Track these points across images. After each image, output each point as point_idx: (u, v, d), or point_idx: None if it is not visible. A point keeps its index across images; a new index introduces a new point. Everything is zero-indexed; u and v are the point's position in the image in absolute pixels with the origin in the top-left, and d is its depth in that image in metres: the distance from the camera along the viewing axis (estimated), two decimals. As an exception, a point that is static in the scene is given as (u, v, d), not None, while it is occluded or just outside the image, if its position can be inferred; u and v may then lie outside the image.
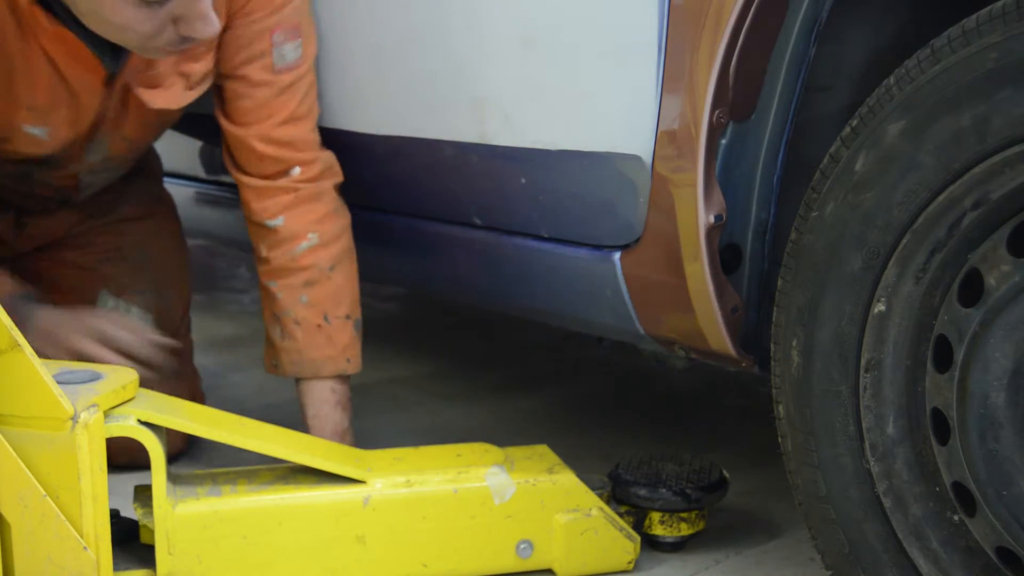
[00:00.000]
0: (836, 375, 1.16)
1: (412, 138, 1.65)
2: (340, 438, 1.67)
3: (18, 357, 1.22)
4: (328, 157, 1.71)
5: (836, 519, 1.19)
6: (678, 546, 1.52)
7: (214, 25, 1.41)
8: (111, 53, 1.54)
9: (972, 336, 1.06)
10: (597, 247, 1.45)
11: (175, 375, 1.87)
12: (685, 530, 1.50)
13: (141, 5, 1.37)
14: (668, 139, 1.30)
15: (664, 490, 1.48)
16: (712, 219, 1.29)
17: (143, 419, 1.33)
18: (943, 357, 1.10)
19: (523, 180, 1.51)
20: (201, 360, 2.09)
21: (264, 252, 1.70)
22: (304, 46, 1.66)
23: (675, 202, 1.31)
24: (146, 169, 2.00)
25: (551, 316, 1.67)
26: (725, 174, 1.29)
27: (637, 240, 1.39)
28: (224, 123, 1.70)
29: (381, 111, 1.69)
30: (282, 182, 1.67)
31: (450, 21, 1.54)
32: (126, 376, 1.35)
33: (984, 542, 1.10)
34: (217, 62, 1.66)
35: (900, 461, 1.15)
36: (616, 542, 1.45)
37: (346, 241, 1.71)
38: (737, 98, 1.25)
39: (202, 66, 1.66)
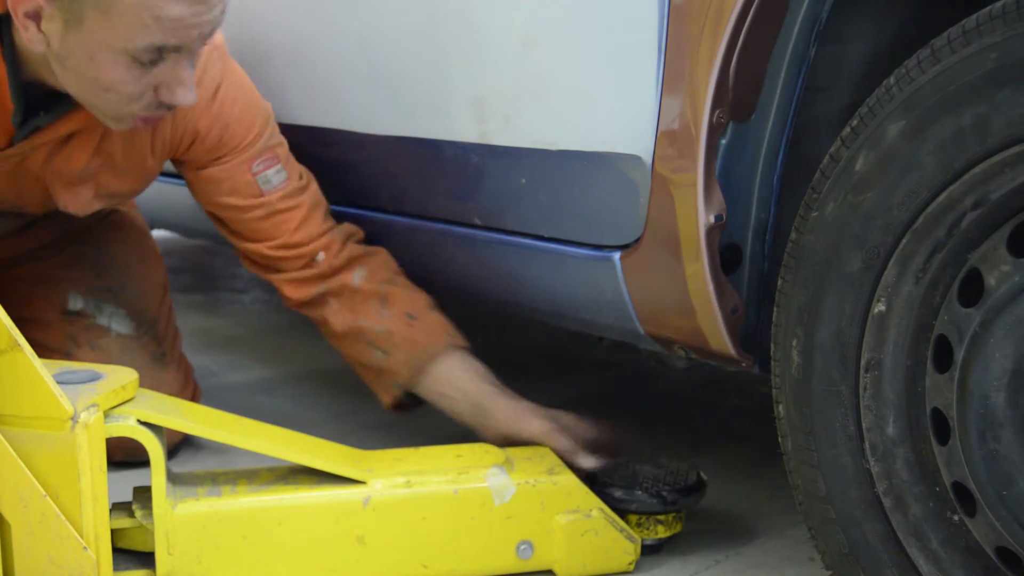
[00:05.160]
0: (836, 375, 1.16)
1: (412, 138, 1.64)
2: (486, 388, 1.65)
3: (18, 357, 1.22)
4: (344, 228, 1.74)
5: (836, 519, 1.19)
6: (655, 548, 1.51)
7: (193, 94, 1.45)
8: (22, 115, 1.53)
9: (972, 336, 1.06)
10: (597, 247, 1.45)
11: (159, 362, 1.87)
12: (662, 532, 1.49)
13: (133, 65, 1.40)
14: (668, 139, 1.30)
15: (640, 492, 1.47)
16: (712, 219, 1.29)
17: (143, 419, 1.33)
18: (943, 357, 1.10)
19: (523, 180, 1.51)
20: (201, 360, 2.10)
21: (329, 308, 1.72)
22: (287, 169, 1.72)
23: (675, 202, 1.31)
24: None
25: (551, 316, 1.67)
26: (725, 174, 1.29)
27: (637, 240, 1.39)
28: (235, 241, 1.75)
29: (381, 111, 1.69)
30: (314, 270, 1.71)
31: (450, 21, 1.54)
32: (126, 376, 1.35)
33: (984, 542, 1.10)
34: (199, 198, 1.75)
35: (900, 461, 1.15)
36: (617, 543, 1.44)
37: (392, 265, 1.74)
38: (737, 98, 1.25)
39: (120, 186, 1.70)
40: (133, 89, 1.42)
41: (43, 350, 1.82)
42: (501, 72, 1.49)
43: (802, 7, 1.22)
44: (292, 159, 1.74)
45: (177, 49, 1.40)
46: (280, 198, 1.70)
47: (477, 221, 1.63)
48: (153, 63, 1.40)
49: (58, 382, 1.25)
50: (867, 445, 1.16)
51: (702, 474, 1.53)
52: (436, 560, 1.42)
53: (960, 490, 1.10)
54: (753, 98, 1.27)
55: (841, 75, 1.34)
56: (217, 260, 3.60)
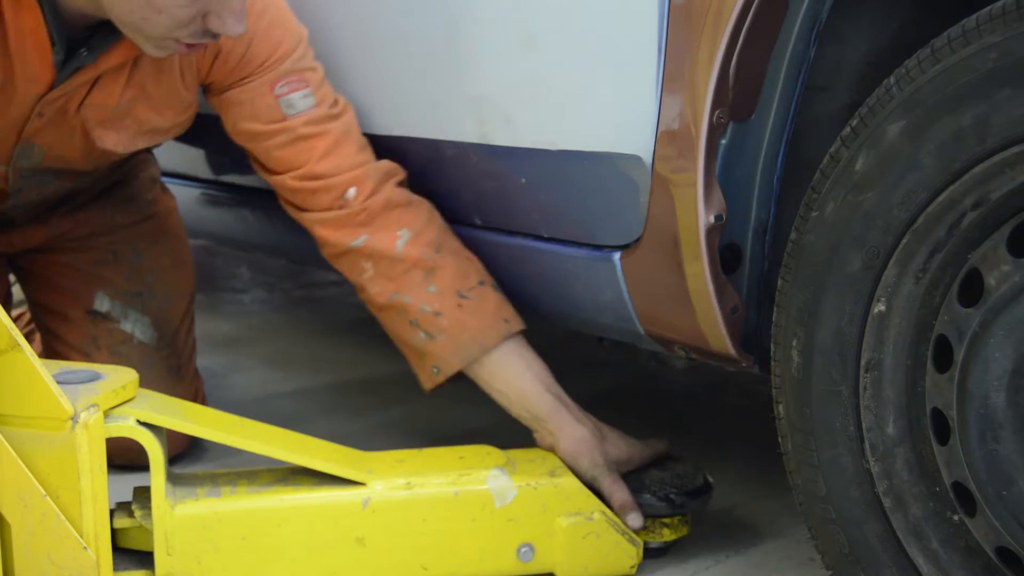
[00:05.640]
0: (836, 375, 1.16)
1: (412, 138, 1.64)
2: (543, 399, 1.55)
3: (18, 357, 1.22)
4: (381, 165, 1.63)
5: (836, 519, 1.19)
6: (661, 552, 1.50)
7: (242, 24, 1.43)
8: (64, 52, 1.49)
9: (972, 336, 1.06)
10: (597, 247, 1.45)
11: (175, 374, 1.87)
12: (668, 536, 1.49)
13: None
14: (668, 139, 1.30)
15: (648, 495, 1.46)
16: (712, 219, 1.29)
17: (143, 419, 1.33)
18: (943, 357, 1.09)
19: (523, 180, 1.51)
20: (201, 360, 2.09)
21: (366, 274, 1.60)
22: (316, 93, 1.62)
23: (675, 202, 1.31)
24: (139, 178, 1.97)
25: (551, 316, 1.67)
26: (725, 174, 1.29)
27: (637, 240, 1.39)
28: (265, 176, 1.67)
29: (381, 111, 1.69)
30: (346, 211, 1.59)
31: (450, 21, 1.54)
32: (126, 376, 1.35)
33: (984, 542, 1.10)
34: (227, 129, 1.66)
35: (900, 461, 1.15)
36: (619, 546, 1.44)
37: (438, 221, 1.62)
38: (737, 98, 1.25)
39: (161, 120, 1.65)
40: (185, 13, 1.39)
41: (63, 345, 1.82)
42: (501, 72, 1.49)
43: (802, 7, 1.22)
44: (327, 87, 1.65)
45: None
46: (303, 123, 1.60)
47: (477, 221, 1.63)
48: None
49: (58, 382, 1.25)
50: (867, 445, 1.16)
51: (708, 476, 1.52)
52: (436, 562, 1.41)
53: (960, 490, 1.10)
54: (753, 98, 1.27)
55: (841, 75, 1.34)
56: (217, 260, 3.60)
